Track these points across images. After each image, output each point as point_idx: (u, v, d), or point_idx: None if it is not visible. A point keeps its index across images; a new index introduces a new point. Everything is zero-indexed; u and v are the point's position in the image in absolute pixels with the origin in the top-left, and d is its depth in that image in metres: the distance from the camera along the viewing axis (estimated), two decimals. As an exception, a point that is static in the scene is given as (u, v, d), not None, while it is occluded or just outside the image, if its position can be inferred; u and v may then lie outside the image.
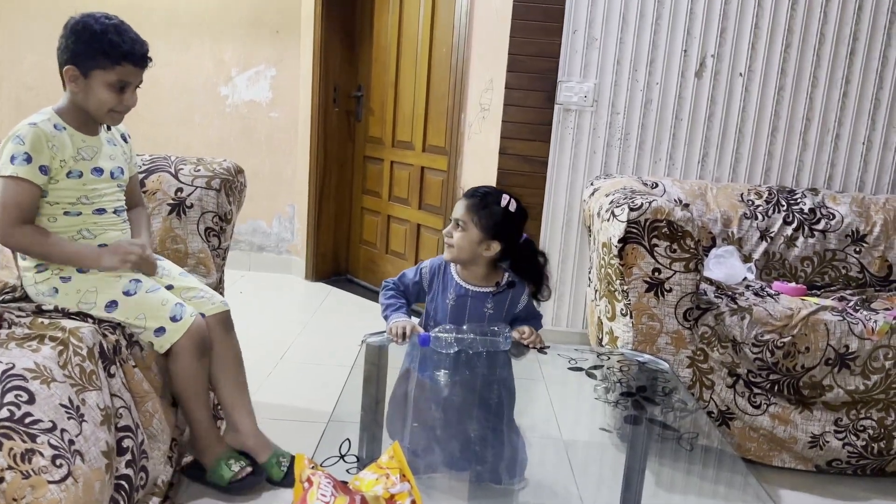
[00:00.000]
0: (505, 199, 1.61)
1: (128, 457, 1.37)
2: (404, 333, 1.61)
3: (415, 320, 1.68)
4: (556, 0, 2.70)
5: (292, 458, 1.73)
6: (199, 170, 2.01)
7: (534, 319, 1.74)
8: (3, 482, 1.08)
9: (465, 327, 1.59)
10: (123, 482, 1.36)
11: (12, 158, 1.50)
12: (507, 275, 1.69)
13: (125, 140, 1.79)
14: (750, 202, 2.57)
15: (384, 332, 1.68)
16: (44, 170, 1.53)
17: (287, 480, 1.72)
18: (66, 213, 1.60)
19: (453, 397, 1.66)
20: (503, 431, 1.59)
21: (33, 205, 1.55)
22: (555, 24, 2.72)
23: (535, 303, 1.74)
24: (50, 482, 1.12)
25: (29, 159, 1.51)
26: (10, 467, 1.09)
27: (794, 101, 2.75)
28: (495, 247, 1.62)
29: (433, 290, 1.72)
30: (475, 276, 1.68)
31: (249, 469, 1.71)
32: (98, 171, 1.64)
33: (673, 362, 1.96)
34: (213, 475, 1.70)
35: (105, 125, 1.69)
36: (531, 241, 1.70)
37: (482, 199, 1.61)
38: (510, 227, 1.62)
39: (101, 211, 1.65)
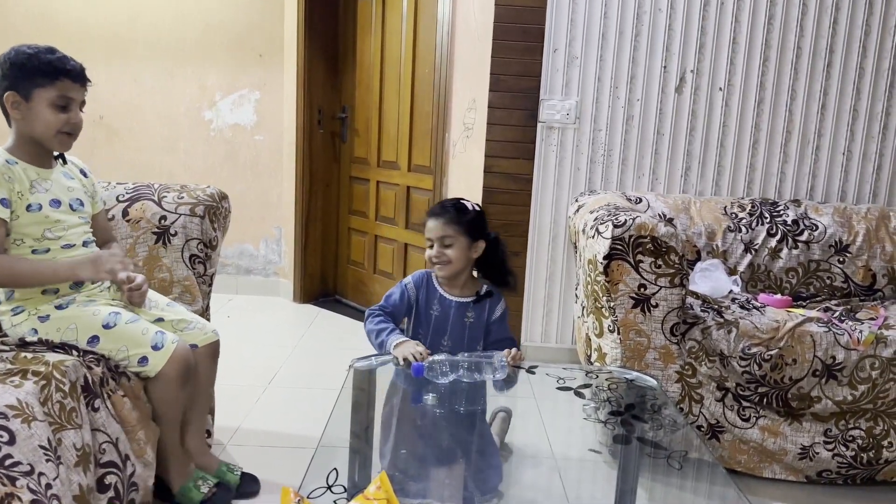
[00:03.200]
0: (468, 203, 1.79)
1: (110, 494, 1.34)
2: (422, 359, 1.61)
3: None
4: (536, 20, 2.73)
5: (218, 482, 1.77)
6: (182, 197, 2.00)
7: (510, 342, 1.79)
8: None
9: (457, 356, 1.60)
10: (106, 520, 1.33)
11: None
12: (484, 286, 1.83)
13: (84, 175, 1.76)
14: (733, 215, 2.59)
15: (372, 356, 1.67)
16: (5, 203, 1.50)
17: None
18: (33, 252, 1.57)
19: (441, 423, 1.66)
20: (483, 450, 1.59)
21: (1, 240, 1.52)
22: (535, 43, 2.74)
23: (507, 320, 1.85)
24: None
25: None
26: None
27: (773, 113, 2.79)
28: (481, 245, 1.78)
29: (419, 303, 1.81)
30: (457, 286, 1.81)
31: (216, 489, 1.75)
32: (56, 202, 1.60)
33: (661, 377, 1.96)
34: (184, 498, 1.70)
35: (60, 159, 1.66)
36: (495, 234, 1.86)
37: (457, 211, 1.76)
38: (484, 223, 1.80)
39: (69, 246, 1.62)
